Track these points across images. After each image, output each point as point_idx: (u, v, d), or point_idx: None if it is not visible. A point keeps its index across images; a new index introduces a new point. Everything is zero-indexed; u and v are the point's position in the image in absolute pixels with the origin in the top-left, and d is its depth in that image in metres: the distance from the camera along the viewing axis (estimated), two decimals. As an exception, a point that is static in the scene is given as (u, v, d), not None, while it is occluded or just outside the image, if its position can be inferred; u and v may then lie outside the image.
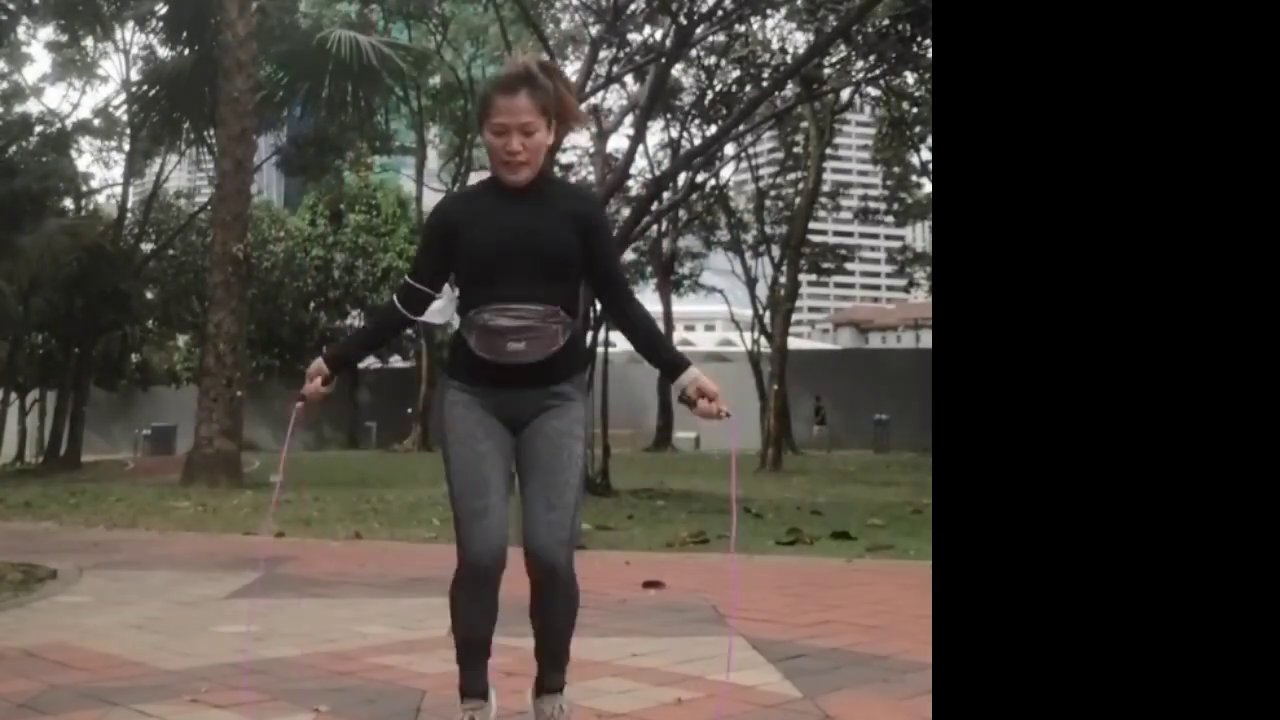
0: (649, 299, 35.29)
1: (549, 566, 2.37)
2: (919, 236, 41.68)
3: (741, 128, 19.05)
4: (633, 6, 15.32)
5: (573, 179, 26.38)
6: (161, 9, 19.57)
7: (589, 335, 12.34)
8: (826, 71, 18.60)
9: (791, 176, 28.52)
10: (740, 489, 13.67)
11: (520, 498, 2.46)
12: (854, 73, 18.87)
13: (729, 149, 22.85)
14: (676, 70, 18.87)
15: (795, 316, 27.08)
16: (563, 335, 2.44)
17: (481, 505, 2.38)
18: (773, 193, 29.20)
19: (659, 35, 16.84)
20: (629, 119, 19.92)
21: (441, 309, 2.56)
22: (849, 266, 35.45)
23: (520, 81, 2.41)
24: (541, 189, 2.49)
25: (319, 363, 2.59)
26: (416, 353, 31.42)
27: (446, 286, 2.56)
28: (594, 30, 16.51)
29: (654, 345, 2.59)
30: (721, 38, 18.59)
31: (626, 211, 20.06)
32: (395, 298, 2.58)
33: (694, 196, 25.52)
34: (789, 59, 18.05)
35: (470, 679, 2.57)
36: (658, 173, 23.28)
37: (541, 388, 2.49)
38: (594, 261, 2.51)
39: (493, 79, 2.51)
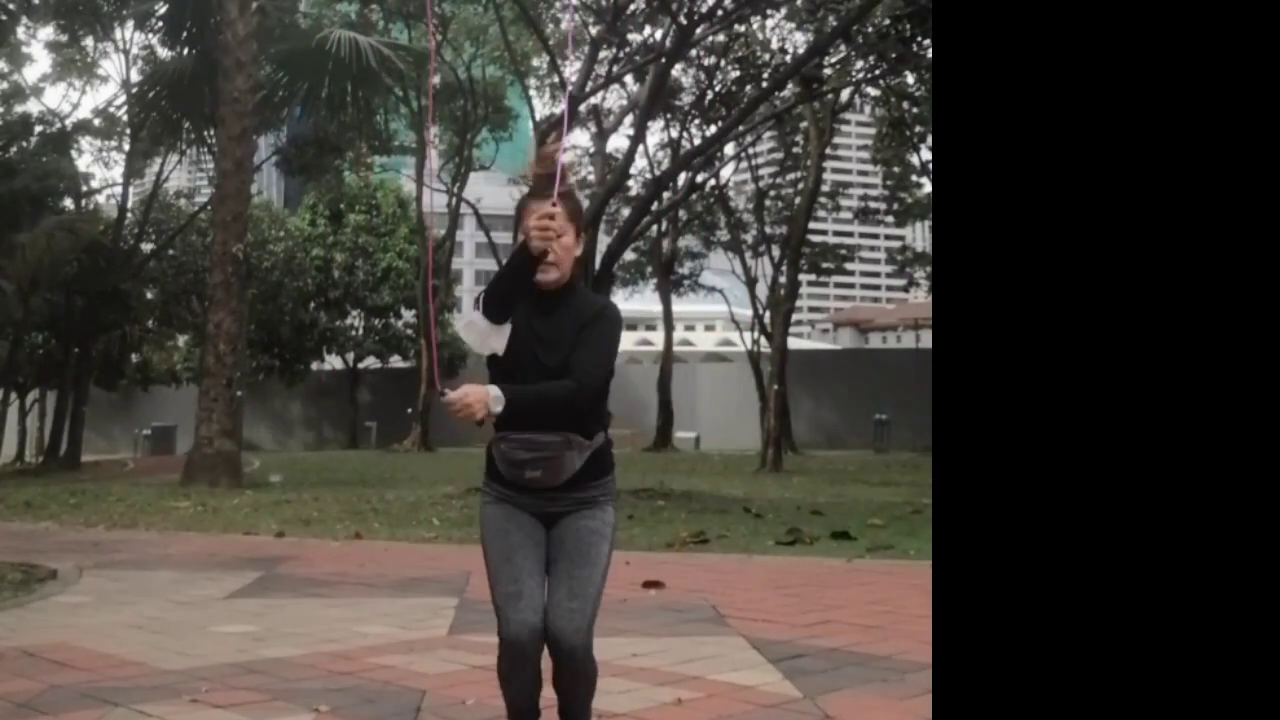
0: (649, 299, 35.30)
1: (568, 650, 2.52)
2: (919, 236, 41.69)
3: (741, 128, 19.04)
4: (633, 6, 15.32)
5: (572, 179, 26.35)
6: (161, 9, 19.52)
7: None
8: (826, 71, 18.59)
9: (791, 176, 28.49)
10: (739, 489, 13.67)
11: (548, 584, 2.60)
12: (854, 73, 18.87)
13: (729, 149, 22.86)
14: (676, 70, 18.86)
15: (795, 316, 27.06)
16: (579, 459, 2.59)
17: (516, 589, 2.53)
18: (772, 193, 29.17)
19: (659, 35, 16.85)
20: (629, 119, 19.92)
21: (483, 337, 2.56)
22: (849, 266, 35.38)
23: (550, 187, 2.57)
24: (569, 300, 2.62)
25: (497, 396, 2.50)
26: (416, 353, 31.42)
27: (489, 325, 2.57)
28: (594, 30, 16.51)
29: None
30: (721, 38, 18.59)
31: (626, 211, 20.05)
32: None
33: (694, 196, 25.50)
34: (789, 59, 18.05)
35: None
36: (658, 173, 23.28)
37: (567, 496, 2.63)
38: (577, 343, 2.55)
39: (527, 193, 2.65)
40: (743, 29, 18.24)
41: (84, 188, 25.31)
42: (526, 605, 2.51)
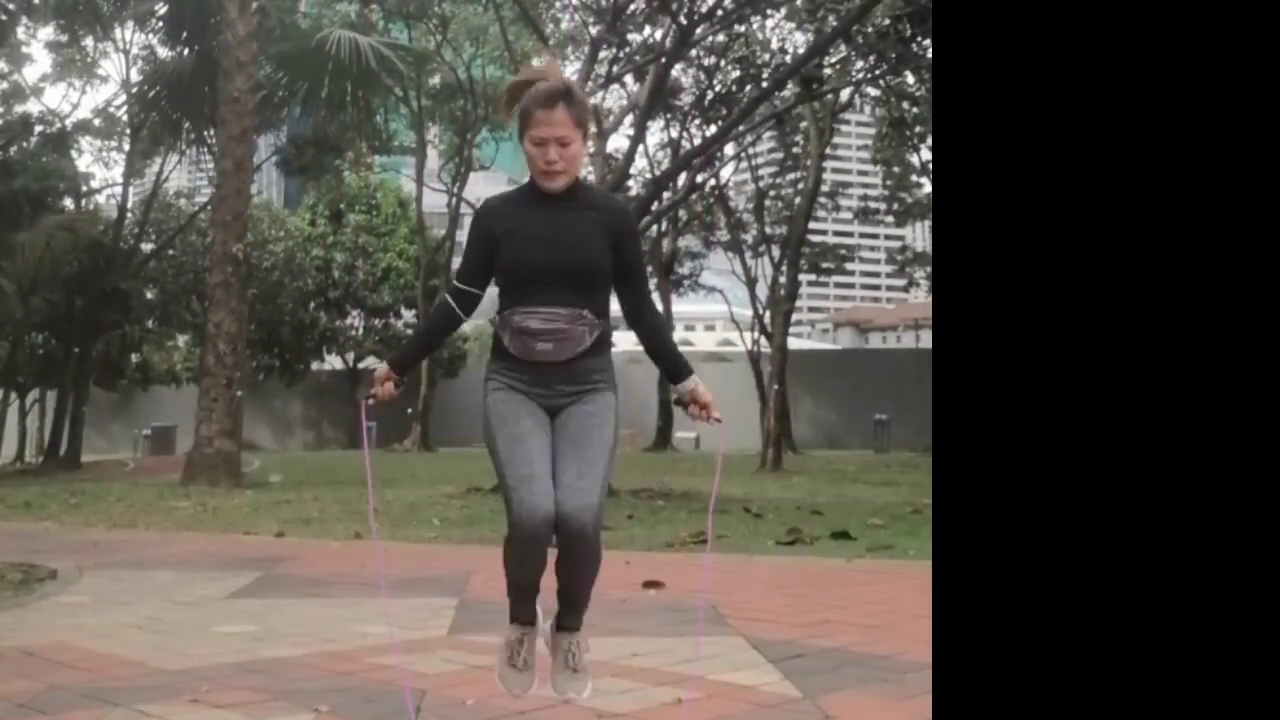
0: (649, 299, 35.23)
1: (578, 528, 2.55)
2: (919, 236, 41.67)
3: (741, 128, 19.04)
4: (633, 6, 15.31)
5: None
6: (161, 9, 19.54)
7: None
8: (826, 71, 18.59)
9: (791, 176, 28.50)
10: (739, 489, 13.66)
11: (554, 469, 2.63)
12: (854, 73, 18.87)
13: (729, 149, 22.85)
14: (676, 70, 18.86)
15: (795, 316, 27.05)
16: (589, 336, 2.65)
17: (529, 471, 2.56)
18: (773, 193, 29.19)
19: (659, 35, 16.84)
20: (629, 119, 19.91)
21: None
22: (849, 266, 35.41)
23: (558, 96, 2.61)
24: (577, 196, 2.69)
25: (385, 368, 2.80)
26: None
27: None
28: (594, 30, 16.51)
29: (660, 352, 2.83)
30: (721, 38, 18.58)
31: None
32: (450, 300, 2.79)
33: (694, 196, 25.50)
34: (789, 59, 18.05)
35: (520, 610, 2.80)
36: (658, 173, 23.27)
37: (571, 381, 2.68)
38: (619, 268, 2.72)
39: (532, 94, 2.65)
40: (742, 29, 18.23)
41: (84, 188, 25.32)
42: (540, 488, 2.54)
